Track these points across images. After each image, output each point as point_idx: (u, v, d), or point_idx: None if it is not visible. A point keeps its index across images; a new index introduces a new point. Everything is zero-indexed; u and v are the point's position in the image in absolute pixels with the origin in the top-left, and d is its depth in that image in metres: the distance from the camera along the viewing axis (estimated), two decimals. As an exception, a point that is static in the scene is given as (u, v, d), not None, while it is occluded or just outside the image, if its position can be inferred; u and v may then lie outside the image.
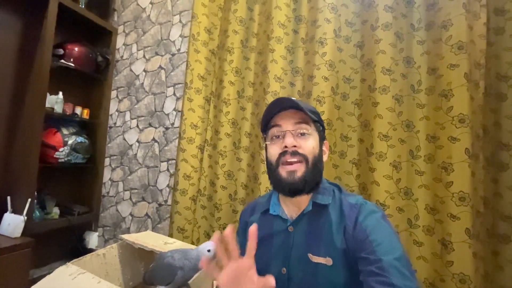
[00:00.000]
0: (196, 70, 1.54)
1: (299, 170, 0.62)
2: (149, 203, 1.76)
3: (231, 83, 1.49)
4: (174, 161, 1.68)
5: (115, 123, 1.94)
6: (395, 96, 1.15)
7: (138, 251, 0.92)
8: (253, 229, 0.53)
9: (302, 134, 0.65)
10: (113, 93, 1.97)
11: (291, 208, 0.69)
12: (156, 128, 1.80)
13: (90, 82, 1.91)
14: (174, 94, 1.76)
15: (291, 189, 0.63)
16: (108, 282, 0.63)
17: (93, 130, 1.88)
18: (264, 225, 0.70)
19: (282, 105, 0.66)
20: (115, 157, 1.92)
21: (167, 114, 1.77)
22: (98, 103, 1.91)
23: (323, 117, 1.18)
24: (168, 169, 1.73)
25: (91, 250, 1.84)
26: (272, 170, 0.66)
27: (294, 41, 1.38)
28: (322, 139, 0.69)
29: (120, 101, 1.95)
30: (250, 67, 1.48)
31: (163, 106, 1.79)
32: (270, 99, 1.33)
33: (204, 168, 1.49)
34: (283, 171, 0.64)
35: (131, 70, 1.93)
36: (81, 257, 0.75)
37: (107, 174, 1.93)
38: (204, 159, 1.50)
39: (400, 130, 1.14)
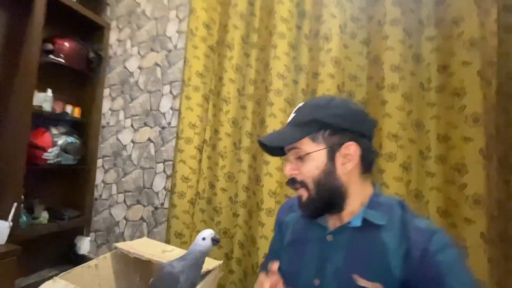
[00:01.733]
0: (194, 67, 1.47)
1: (303, 195, 0.59)
2: (144, 206, 1.69)
3: (231, 80, 1.42)
4: (171, 162, 1.61)
5: (108, 123, 1.86)
6: (404, 94, 1.11)
7: (133, 261, 0.85)
8: (273, 268, 0.51)
9: (300, 157, 0.59)
10: (106, 91, 1.88)
11: (333, 216, 0.61)
12: (151, 127, 1.72)
13: (82, 79, 1.83)
14: (170, 92, 1.69)
15: (305, 215, 0.62)
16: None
17: (84, 129, 1.80)
18: (299, 227, 0.65)
19: (268, 147, 0.62)
20: (108, 158, 1.84)
21: (163, 113, 1.70)
22: (90, 101, 1.83)
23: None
24: (164, 171, 1.66)
25: (82, 256, 1.75)
26: None
27: (298, 37, 1.33)
28: (334, 147, 0.57)
29: (113, 99, 1.86)
30: (251, 64, 1.42)
31: (159, 105, 1.72)
32: (272, 97, 1.27)
33: (203, 170, 1.43)
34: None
35: (125, 67, 1.85)
36: (70, 270, 0.68)
37: (99, 176, 1.85)
38: (203, 160, 1.44)
39: (410, 129, 1.09)
